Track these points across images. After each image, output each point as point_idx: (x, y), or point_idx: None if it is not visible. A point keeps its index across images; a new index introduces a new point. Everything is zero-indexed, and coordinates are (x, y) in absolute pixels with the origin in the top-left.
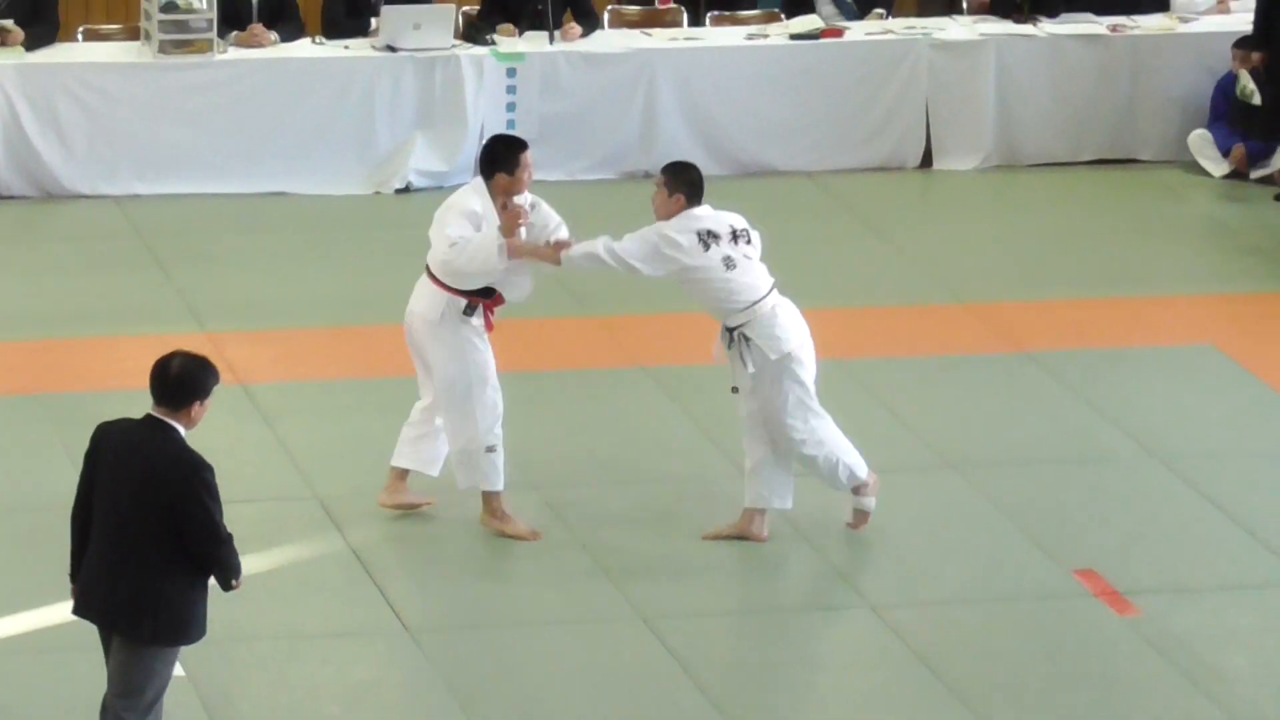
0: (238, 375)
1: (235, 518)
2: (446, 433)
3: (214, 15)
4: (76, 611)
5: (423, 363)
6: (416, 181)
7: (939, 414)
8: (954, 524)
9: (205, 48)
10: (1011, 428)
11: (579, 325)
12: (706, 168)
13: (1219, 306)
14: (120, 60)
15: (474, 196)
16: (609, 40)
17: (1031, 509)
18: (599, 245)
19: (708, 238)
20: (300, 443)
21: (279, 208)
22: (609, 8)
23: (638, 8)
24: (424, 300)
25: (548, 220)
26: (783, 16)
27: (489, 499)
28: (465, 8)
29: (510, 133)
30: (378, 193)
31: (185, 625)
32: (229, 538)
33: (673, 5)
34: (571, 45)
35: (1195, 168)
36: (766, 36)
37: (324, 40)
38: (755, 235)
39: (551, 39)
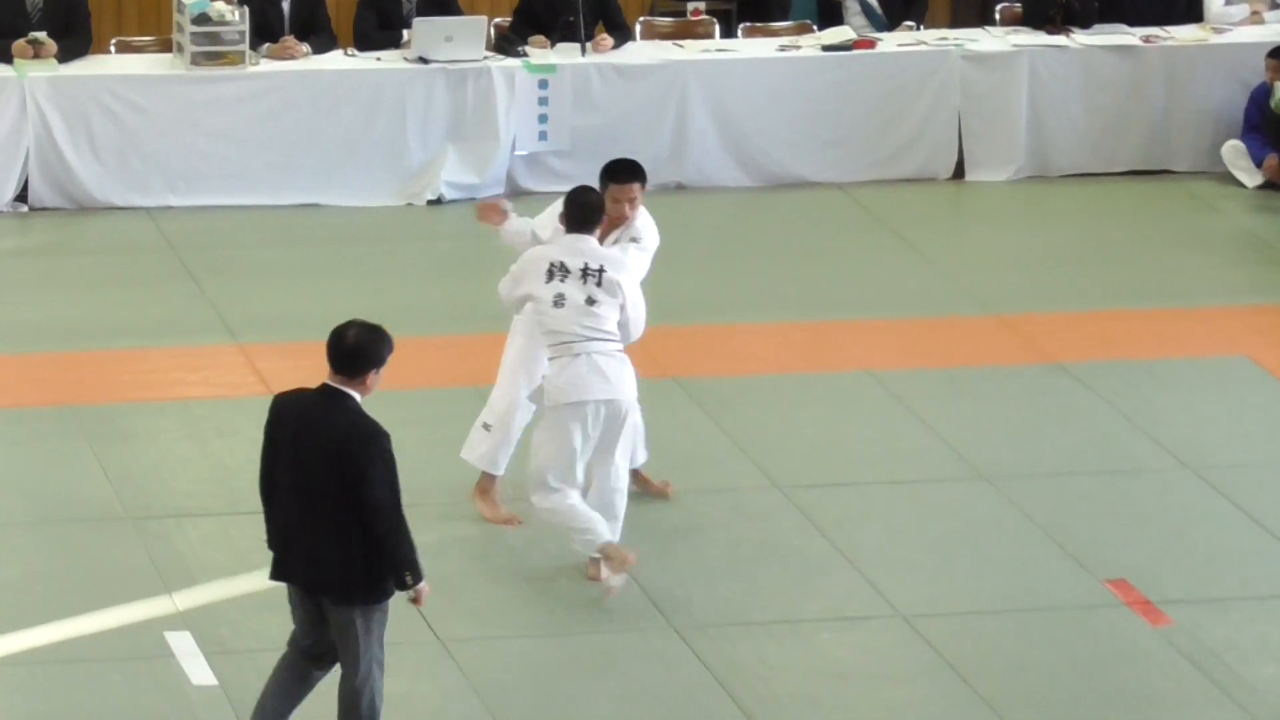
0: (269, 387)
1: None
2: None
3: (246, 27)
4: (274, 576)
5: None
6: (448, 193)
7: (971, 425)
8: (986, 534)
9: (237, 60)
10: (1043, 439)
11: None
12: (737, 179)
13: (1252, 318)
14: (153, 72)
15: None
16: (641, 52)
17: (1063, 519)
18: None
19: (558, 270)
20: None
21: (311, 219)
22: (641, 19)
23: (670, 19)
24: None
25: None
26: (815, 28)
27: (483, 477)
28: (497, 20)
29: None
30: (410, 204)
31: (384, 580)
32: (402, 516)
33: (705, 17)
34: (603, 57)
35: (1228, 179)
36: (799, 48)
37: (356, 52)
38: (613, 280)
39: (583, 51)
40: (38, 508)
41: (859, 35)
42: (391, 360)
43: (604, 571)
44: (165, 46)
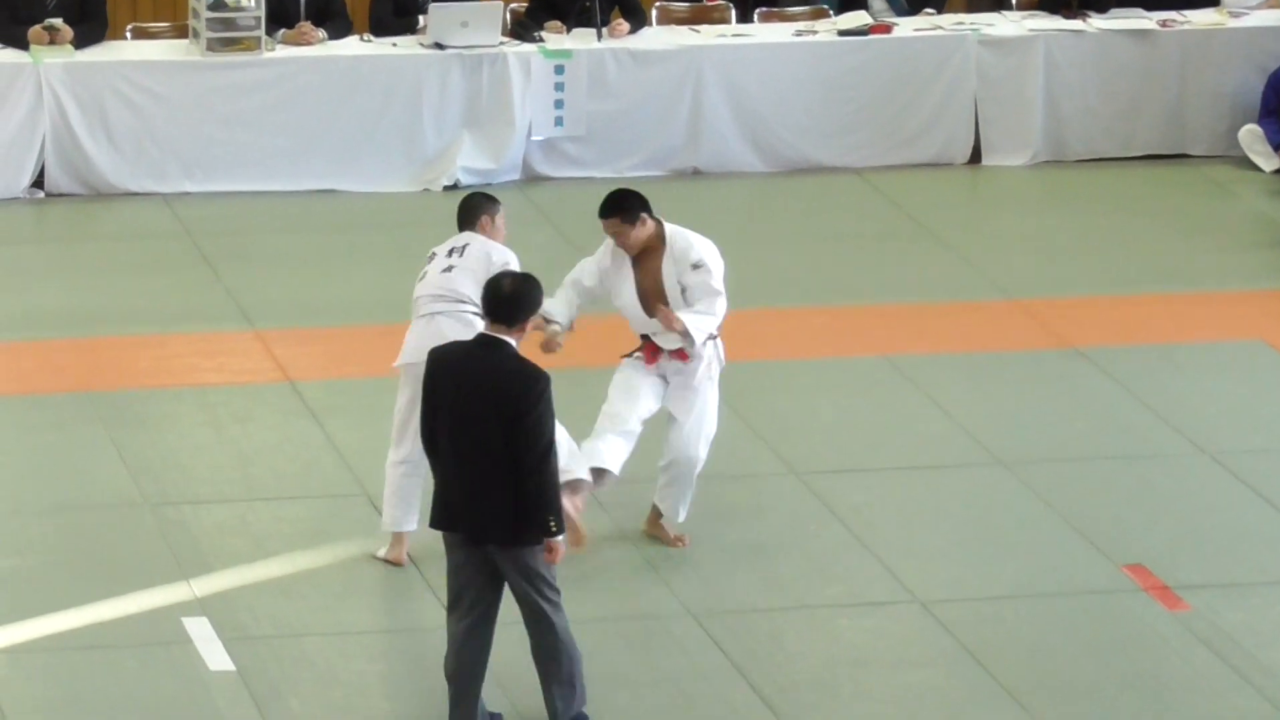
0: (286, 373)
1: (284, 515)
2: None
3: (262, 13)
4: (436, 524)
5: None
6: (464, 179)
7: (988, 410)
8: (1003, 520)
9: (253, 46)
10: (1061, 424)
11: (624, 323)
12: (754, 164)
13: (1270, 302)
14: (168, 59)
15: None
16: (657, 37)
17: (1081, 505)
18: None
19: (430, 258)
20: (349, 440)
21: (327, 206)
22: (656, 4)
23: (686, 4)
24: None
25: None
26: (831, 12)
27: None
28: (513, 5)
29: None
30: (426, 190)
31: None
32: (553, 461)
33: (721, 2)
34: (619, 42)
35: (1245, 163)
36: (815, 33)
37: (372, 38)
38: (474, 250)
39: (599, 36)
40: (55, 494)
41: (878, 20)
42: None
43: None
44: (181, 32)
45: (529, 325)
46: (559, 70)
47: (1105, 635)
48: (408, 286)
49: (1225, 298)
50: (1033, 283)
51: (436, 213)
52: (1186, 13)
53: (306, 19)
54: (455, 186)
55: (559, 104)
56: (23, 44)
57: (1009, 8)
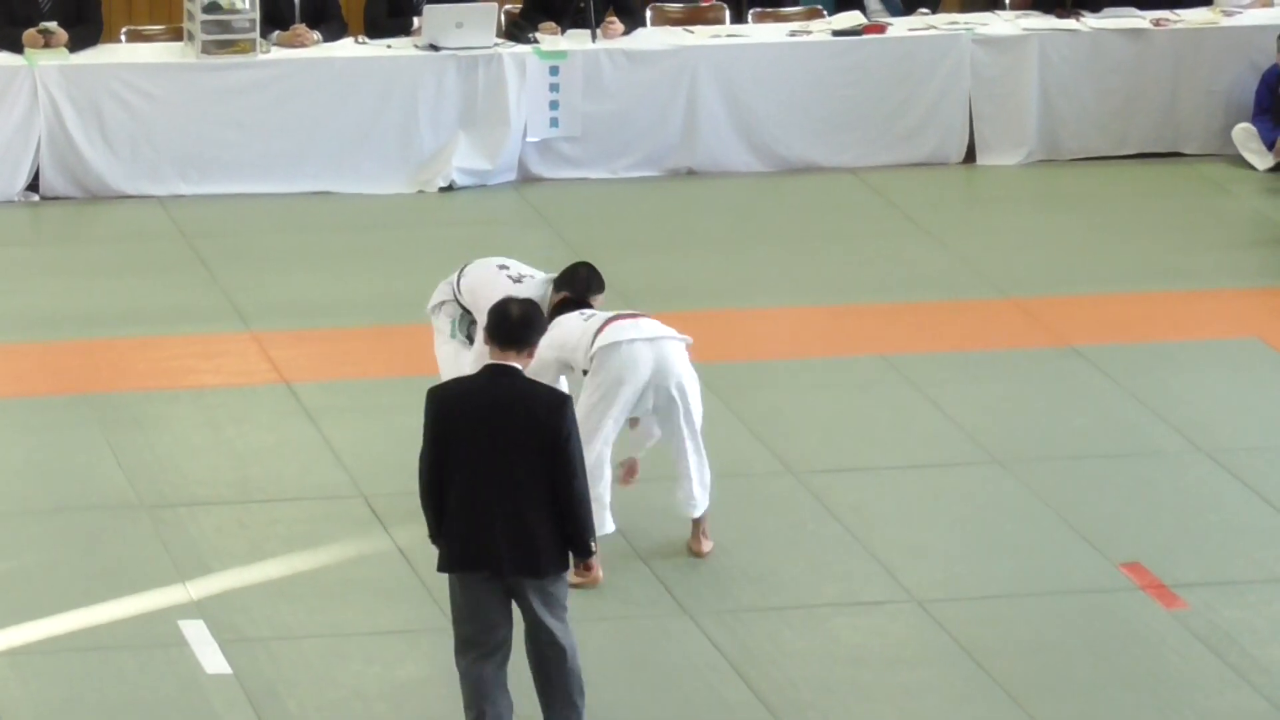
0: (283, 374)
1: (281, 516)
2: None
3: (257, 15)
4: (447, 568)
5: None
6: (460, 180)
7: (985, 409)
8: (1000, 518)
9: (248, 48)
10: (1057, 422)
11: None
12: (749, 164)
13: (1264, 300)
14: (163, 61)
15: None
16: (651, 38)
17: (1078, 503)
18: None
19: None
20: (346, 441)
21: (323, 207)
22: (651, 5)
23: (680, 5)
24: None
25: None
26: (825, 13)
27: None
28: (507, 6)
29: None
30: (421, 192)
31: (560, 551)
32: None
33: (715, 2)
34: (614, 43)
35: (1239, 161)
36: (809, 33)
37: (366, 40)
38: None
39: (594, 37)
40: (52, 496)
41: (872, 20)
42: (408, 347)
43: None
44: (176, 35)
45: (533, 351)
46: (554, 71)
47: (1103, 634)
48: (404, 287)
49: (1221, 296)
50: (1029, 281)
51: (432, 214)
52: (1180, 11)
53: (301, 21)
54: (451, 188)
55: (554, 105)
56: (18, 47)
57: (1003, 7)
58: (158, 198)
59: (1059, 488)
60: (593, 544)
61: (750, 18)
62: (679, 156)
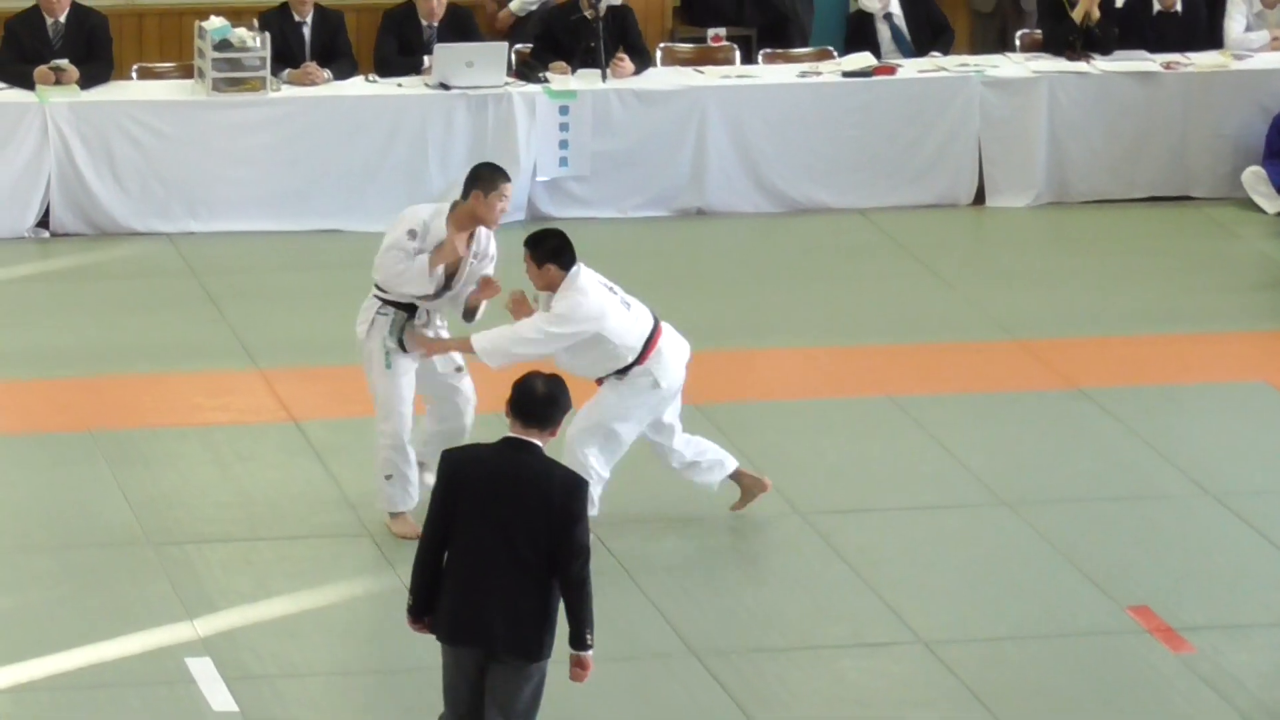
0: (290, 412)
1: (288, 554)
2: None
3: (267, 53)
4: (452, 639)
5: None
6: None
7: (992, 450)
8: (1007, 560)
9: (258, 86)
10: (1065, 465)
11: None
12: (758, 204)
13: (1273, 344)
14: (174, 98)
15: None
16: (661, 78)
17: (1085, 545)
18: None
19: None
20: (353, 479)
21: (331, 245)
22: (661, 45)
23: (690, 45)
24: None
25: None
26: (835, 54)
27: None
28: (518, 45)
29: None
30: None
31: (552, 637)
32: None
33: (725, 43)
34: (624, 83)
35: (1249, 204)
36: (819, 74)
37: (377, 78)
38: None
39: (604, 76)
40: (59, 533)
41: (882, 61)
42: None
43: None
44: (187, 72)
45: (557, 431)
46: (564, 110)
47: (1109, 676)
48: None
49: (1229, 339)
50: (1036, 323)
51: None
52: (1190, 55)
53: (312, 59)
54: None
55: (564, 144)
56: (29, 83)
57: (1013, 49)
58: (167, 234)
59: (1066, 530)
60: (589, 637)
61: (760, 58)
62: (688, 196)
